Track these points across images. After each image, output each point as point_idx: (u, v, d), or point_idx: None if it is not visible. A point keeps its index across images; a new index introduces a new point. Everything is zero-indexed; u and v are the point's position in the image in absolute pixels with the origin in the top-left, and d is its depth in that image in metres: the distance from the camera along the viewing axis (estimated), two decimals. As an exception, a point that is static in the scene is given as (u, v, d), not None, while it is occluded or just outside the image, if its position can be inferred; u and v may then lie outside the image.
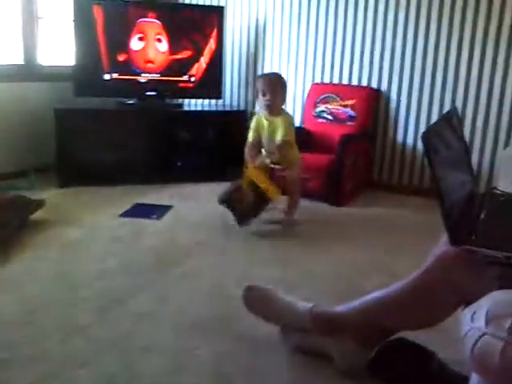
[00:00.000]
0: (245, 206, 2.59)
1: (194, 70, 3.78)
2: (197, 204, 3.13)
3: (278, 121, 2.78)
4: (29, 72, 3.64)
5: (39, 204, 2.84)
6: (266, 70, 4.00)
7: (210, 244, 2.50)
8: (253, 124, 2.90)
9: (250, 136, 2.89)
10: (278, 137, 2.76)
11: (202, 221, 2.83)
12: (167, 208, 3.05)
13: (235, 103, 4.21)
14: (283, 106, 2.90)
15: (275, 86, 2.77)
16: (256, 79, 2.87)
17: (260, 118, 2.88)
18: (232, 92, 4.21)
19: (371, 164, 3.76)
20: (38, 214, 2.78)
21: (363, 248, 2.55)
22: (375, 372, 1.46)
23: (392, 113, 3.66)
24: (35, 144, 3.71)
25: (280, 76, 2.98)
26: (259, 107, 2.79)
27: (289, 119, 2.83)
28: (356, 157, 3.44)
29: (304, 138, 3.67)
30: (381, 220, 3.05)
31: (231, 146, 3.58)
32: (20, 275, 2.13)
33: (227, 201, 2.61)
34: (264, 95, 2.76)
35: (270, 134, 2.82)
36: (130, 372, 1.47)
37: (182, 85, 3.79)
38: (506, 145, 3.30)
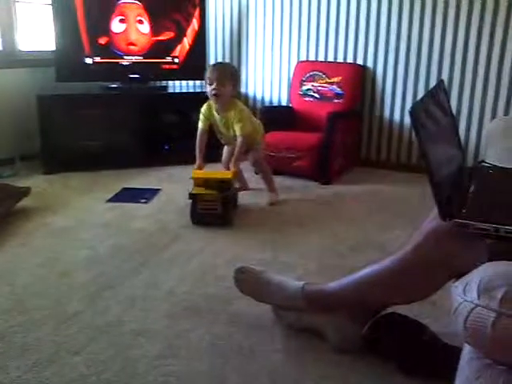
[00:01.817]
0: (219, 212, 2.49)
1: (177, 52, 3.73)
2: (185, 187, 3.10)
3: (231, 115, 2.73)
4: (8, 58, 3.56)
5: (25, 192, 2.80)
6: (251, 50, 3.96)
7: (199, 227, 2.49)
8: (203, 110, 2.81)
9: (201, 125, 2.81)
10: (237, 132, 2.71)
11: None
12: (155, 191, 3.03)
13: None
14: (236, 99, 2.81)
15: (222, 74, 2.66)
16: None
17: (211, 106, 2.78)
18: (217, 72, 4.16)
19: (359, 141, 3.76)
20: (24, 202, 2.75)
21: (354, 225, 2.55)
22: (368, 347, 1.47)
23: (378, 89, 3.64)
24: (19, 131, 3.66)
25: (230, 66, 2.98)
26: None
27: (241, 112, 2.75)
28: (344, 134, 3.43)
29: (291, 117, 3.66)
30: (370, 196, 3.06)
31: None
32: (8, 264, 2.11)
33: (201, 220, 2.50)
34: (211, 84, 2.66)
35: (225, 126, 2.79)
36: (124, 357, 1.46)
37: (165, 66, 3.74)
38: (493, 117, 3.31)
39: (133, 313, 1.71)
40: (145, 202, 2.85)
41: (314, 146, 3.25)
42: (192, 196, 2.47)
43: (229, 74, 2.72)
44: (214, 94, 2.65)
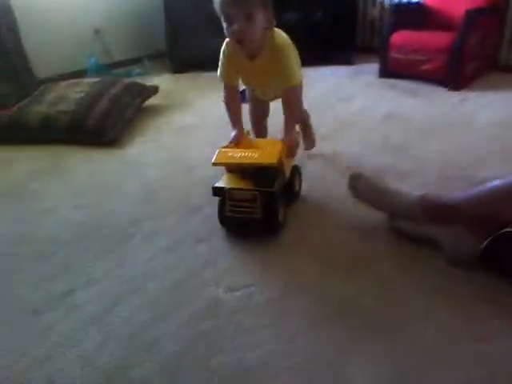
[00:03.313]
0: (258, 216, 1.55)
1: None
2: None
3: (270, 60, 1.67)
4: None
5: (153, 90, 2.94)
6: None
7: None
8: (225, 51, 1.75)
9: (224, 74, 1.78)
10: (288, 82, 1.70)
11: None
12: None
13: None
14: (273, 29, 1.68)
15: (244, 3, 1.53)
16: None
17: (235, 47, 1.69)
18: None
19: (499, 43, 3.39)
20: (152, 100, 2.89)
21: (481, 134, 2.38)
22: (485, 263, 1.42)
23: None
24: (147, 30, 3.77)
25: None
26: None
27: (287, 51, 1.69)
28: (481, 35, 3.11)
29: (422, 15, 3.38)
30: (504, 105, 2.80)
31: (340, 28, 3.39)
32: (138, 159, 2.28)
33: (232, 226, 1.65)
34: (229, 22, 1.57)
35: (260, 77, 1.77)
36: (246, 241, 1.57)
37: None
38: None
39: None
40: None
41: (446, 48, 3.00)
42: (216, 191, 1.57)
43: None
44: (238, 40, 1.61)
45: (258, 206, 1.52)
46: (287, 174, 1.66)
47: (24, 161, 2.29)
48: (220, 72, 1.79)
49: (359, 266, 1.45)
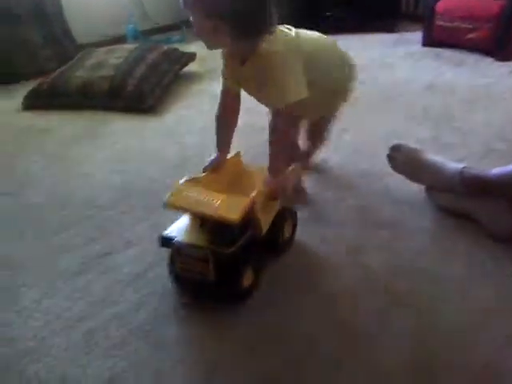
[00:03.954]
0: (211, 278, 1.18)
1: None
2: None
3: (255, 66, 1.24)
4: None
5: (191, 57, 2.93)
6: None
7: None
8: (223, 60, 1.35)
9: (224, 74, 1.37)
10: (273, 103, 1.30)
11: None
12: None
13: None
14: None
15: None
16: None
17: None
18: None
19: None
20: (189, 67, 2.89)
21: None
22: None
23: None
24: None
25: None
26: None
27: (272, 60, 1.21)
28: (533, 2, 2.95)
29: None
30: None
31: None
32: (176, 124, 2.29)
33: (181, 285, 1.27)
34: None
35: (251, 84, 1.33)
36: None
37: None
38: None
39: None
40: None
41: (494, 16, 2.86)
42: (164, 242, 1.22)
43: None
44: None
45: (211, 268, 1.16)
46: (265, 226, 1.25)
47: (64, 127, 2.33)
48: (222, 69, 1.36)
49: (391, 230, 1.42)
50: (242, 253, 1.17)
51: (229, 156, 1.40)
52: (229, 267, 1.17)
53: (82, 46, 3.10)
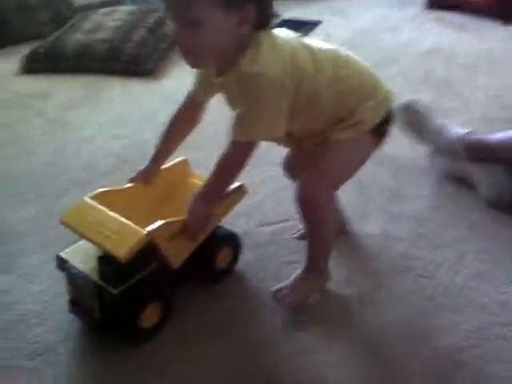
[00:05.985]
0: (96, 316, 1.04)
1: None
2: (347, 21, 2.93)
3: (233, 83, 1.00)
4: None
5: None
6: None
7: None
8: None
9: (196, 75, 1.15)
10: (231, 132, 1.01)
11: (350, 38, 2.66)
12: (314, 24, 2.90)
13: None
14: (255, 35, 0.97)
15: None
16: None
17: None
18: None
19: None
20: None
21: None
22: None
23: None
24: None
25: None
26: None
27: (252, 86, 0.95)
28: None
29: None
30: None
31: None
32: (175, 90, 2.23)
33: (72, 309, 1.09)
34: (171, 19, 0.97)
35: (226, 98, 1.09)
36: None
37: None
38: None
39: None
40: (302, 36, 2.77)
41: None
42: (59, 263, 1.07)
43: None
44: (182, 50, 0.97)
45: (97, 305, 1.00)
46: (178, 259, 1.04)
47: (62, 91, 2.31)
48: (197, 71, 1.14)
49: (391, 197, 1.43)
50: (140, 290, 0.99)
51: (172, 162, 1.21)
52: (114, 309, 0.99)
53: (79, 9, 3.04)
